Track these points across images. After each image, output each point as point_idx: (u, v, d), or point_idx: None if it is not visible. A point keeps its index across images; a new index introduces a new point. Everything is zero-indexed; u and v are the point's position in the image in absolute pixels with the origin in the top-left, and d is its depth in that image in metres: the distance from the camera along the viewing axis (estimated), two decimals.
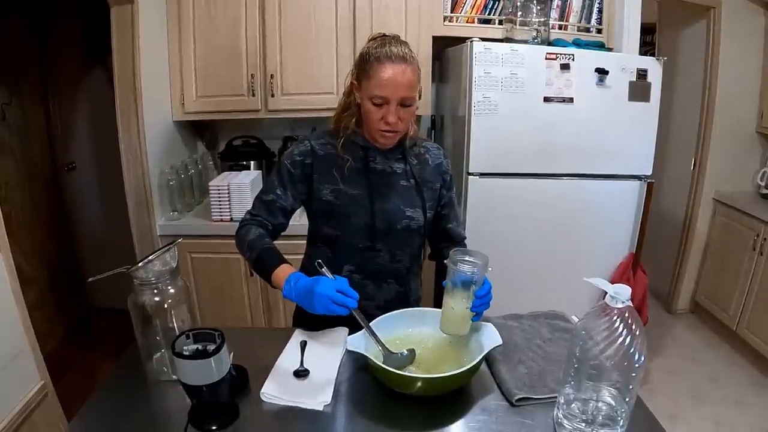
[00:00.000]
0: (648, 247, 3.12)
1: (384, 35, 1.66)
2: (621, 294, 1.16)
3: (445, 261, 1.54)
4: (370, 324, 1.53)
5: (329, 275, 1.48)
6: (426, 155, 1.85)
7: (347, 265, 1.81)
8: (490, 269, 1.54)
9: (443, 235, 1.93)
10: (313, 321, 1.77)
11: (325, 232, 1.80)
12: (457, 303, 1.50)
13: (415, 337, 1.62)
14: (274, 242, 1.73)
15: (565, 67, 2.75)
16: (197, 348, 1.29)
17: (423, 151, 1.85)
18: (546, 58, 2.74)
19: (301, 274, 1.57)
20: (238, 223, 2.94)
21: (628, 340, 1.15)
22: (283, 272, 1.59)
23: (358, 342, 1.46)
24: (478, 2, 3.11)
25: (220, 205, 3.02)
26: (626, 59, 2.84)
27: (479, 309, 1.50)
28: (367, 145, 1.77)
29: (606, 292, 1.19)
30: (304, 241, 1.96)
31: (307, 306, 1.49)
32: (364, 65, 1.63)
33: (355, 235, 1.76)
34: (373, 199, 1.75)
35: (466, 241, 1.96)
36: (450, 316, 1.53)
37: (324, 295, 1.44)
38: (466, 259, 1.51)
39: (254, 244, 1.68)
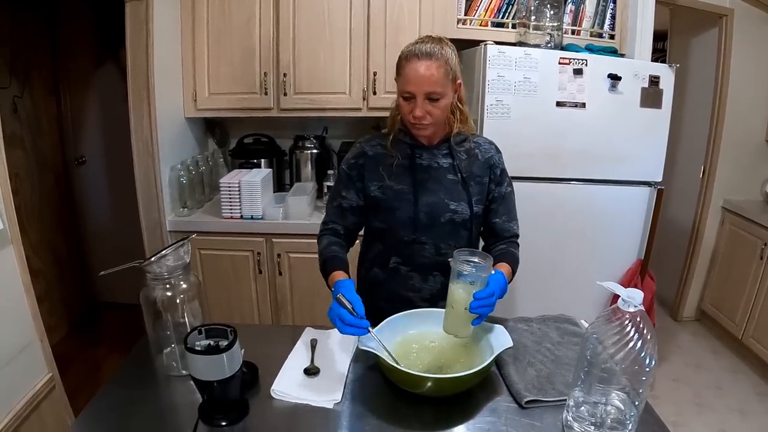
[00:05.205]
0: (655, 254, 3.11)
1: (427, 36, 1.71)
2: (633, 298, 1.16)
3: (449, 260, 1.55)
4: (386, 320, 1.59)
5: (347, 305, 1.48)
6: (476, 150, 1.85)
7: (394, 257, 1.86)
8: (492, 272, 1.54)
9: (489, 229, 1.91)
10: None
11: (375, 226, 1.88)
12: (457, 302, 1.50)
13: (428, 336, 1.63)
14: (358, 234, 1.95)
15: (578, 72, 2.75)
16: (209, 343, 1.30)
17: (473, 146, 1.86)
18: (559, 63, 2.74)
19: (343, 282, 1.61)
20: (248, 220, 2.97)
21: (639, 344, 1.15)
22: (332, 279, 1.68)
23: (369, 341, 1.47)
24: (492, 5, 3.11)
25: (230, 202, 3.03)
26: (639, 65, 2.84)
27: (477, 311, 1.47)
28: (414, 143, 1.82)
29: (615, 297, 1.19)
30: None
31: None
32: (398, 64, 1.69)
33: (400, 227, 1.80)
34: (417, 193, 1.79)
35: (518, 239, 1.93)
36: (449, 315, 1.54)
37: (333, 319, 1.50)
38: (468, 258, 1.51)
39: (322, 252, 1.80)
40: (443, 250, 1.81)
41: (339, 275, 1.66)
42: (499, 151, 1.91)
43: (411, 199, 1.79)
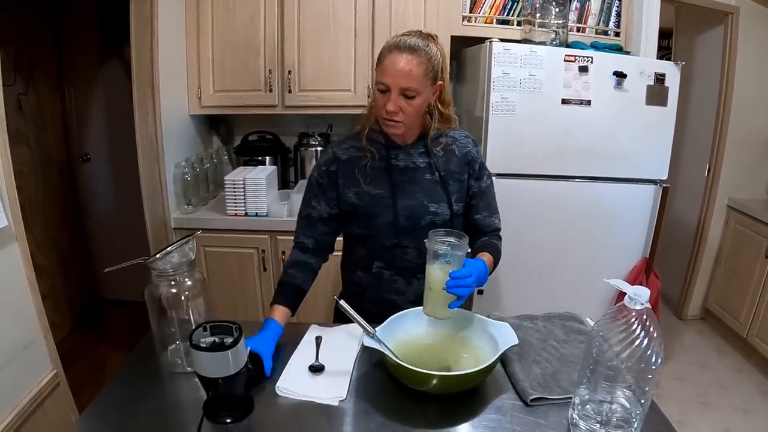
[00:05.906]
0: (659, 252, 3.10)
1: (416, 30, 1.66)
2: (640, 295, 1.15)
3: (424, 241, 1.54)
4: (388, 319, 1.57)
5: (349, 311, 1.48)
6: (453, 146, 1.80)
7: (377, 262, 1.83)
8: (468, 251, 1.54)
9: (471, 226, 1.87)
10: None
11: (355, 231, 1.84)
12: (434, 283, 1.50)
13: (430, 336, 1.62)
14: (333, 243, 1.90)
15: (583, 69, 2.74)
16: (214, 340, 1.30)
17: (450, 141, 1.80)
18: (564, 60, 2.73)
19: (269, 323, 1.63)
20: (253, 218, 3.05)
21: (645, 342, 1.14)
22: (270, 312, 1.70)
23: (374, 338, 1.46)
24: (497, 3, 3.11)
25: (235, 199, 3.03)
26: (644, 63, 2.83)
27: (454, 291, 1.46)
28: (389, 143, 1.77)
29: (621, 295, 1.18)
30: None
31: None
32: (380, 54, 1.64)
33: (381, 233, 1.77)
34: (395, 197, 1.75)
35: (500, 233, 1.89)
36: (428, 297, 1.54)
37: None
38: (442, 238, 1.51)
39: (283, 271, 1.81)
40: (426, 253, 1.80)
41: (275, 312, 1.68)
42: (476, 145, 1.86)
43: (389, 203, 1.75)
